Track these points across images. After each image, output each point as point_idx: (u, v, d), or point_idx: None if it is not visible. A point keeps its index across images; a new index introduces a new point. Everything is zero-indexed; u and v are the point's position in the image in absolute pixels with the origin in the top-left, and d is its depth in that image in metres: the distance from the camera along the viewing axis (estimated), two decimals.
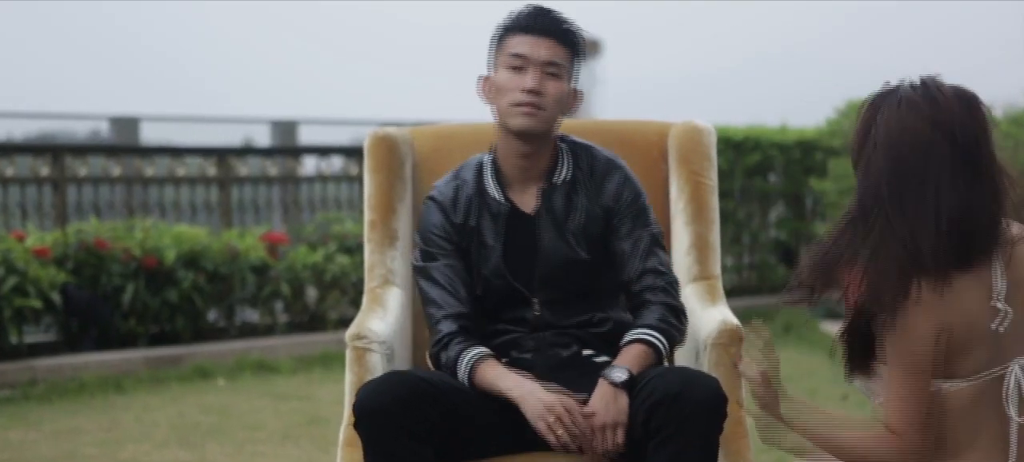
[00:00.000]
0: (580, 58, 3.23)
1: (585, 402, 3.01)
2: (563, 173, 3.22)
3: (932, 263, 2.33)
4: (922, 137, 2.37)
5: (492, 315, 3.22)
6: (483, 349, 3.10)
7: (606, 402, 2.97)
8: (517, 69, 3.15)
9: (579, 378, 3.09)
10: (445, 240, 3.21)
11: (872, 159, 2.39)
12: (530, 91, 3.12)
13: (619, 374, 2.99)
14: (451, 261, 3.20)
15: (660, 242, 3.23)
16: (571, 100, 3.22)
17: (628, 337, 3.10)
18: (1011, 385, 2.36)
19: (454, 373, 3.09)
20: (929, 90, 2.42)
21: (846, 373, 2.50)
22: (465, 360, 3.07)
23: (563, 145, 3.26)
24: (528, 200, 3.23)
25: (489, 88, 3.21)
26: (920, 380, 2.36)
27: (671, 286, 3.19)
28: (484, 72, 3.24)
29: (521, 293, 3.18)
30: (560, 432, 2.95)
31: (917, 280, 2.33)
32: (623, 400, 2.97)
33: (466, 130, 3.76)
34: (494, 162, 3.25)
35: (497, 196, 3.22)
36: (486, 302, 3.21)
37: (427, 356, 3.23)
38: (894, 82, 2.47)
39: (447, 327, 3.14)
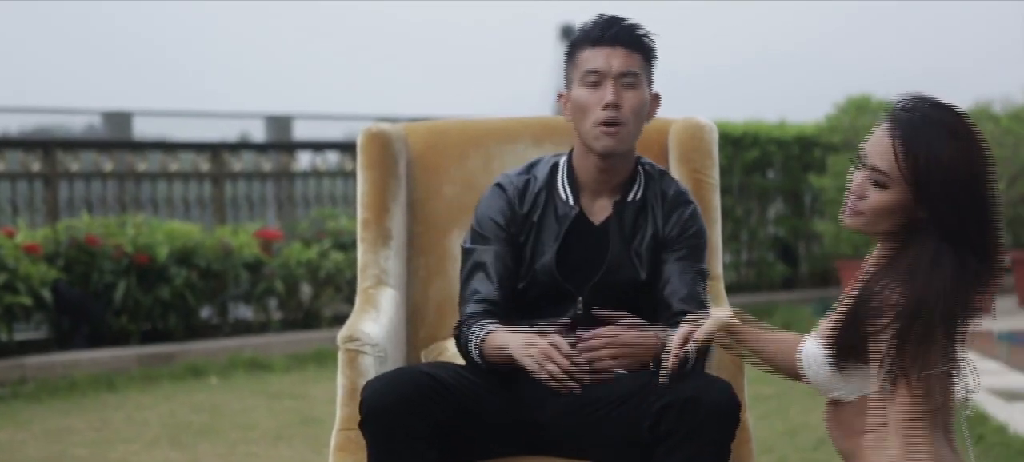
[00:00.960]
0: (654, 61, 3.21)
1: (570, 323, 3.04)
2: (637, 192, 3.21)
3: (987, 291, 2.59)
4: (989, 175, 2.57)
5: (533, 309, 3.17)
6: (494, 322, 3.07)
7: (616, 330, 2.98)
8: (594, 84, 3.12)
9: None
10: (500, 228, 3.18)
11: (952, 194, 2.52)
12: (609, 105, 3.10)
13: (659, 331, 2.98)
14: (499, 249, 3.17)
15: (705, 281, 3.22)
16: (651, 106, 3.20)
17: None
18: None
19: (468, 353, 3.06)
20: (967, 122, 2.57)
21: (830, 364, 2.64)
22: (476, 335, 3.05)
23: (641, 167, 3.24)
24: (598, 211, 3.20)
25: (569, 107, 3.19)
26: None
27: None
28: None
29: (568, 291, 3.15)
30: (550, 367, 2.93)
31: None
32: (632, 335, 2.97)
33: (461, 126, 3.70)
34: (569, 165, 3.23)
35: (568, 199, 3.21)
36: (528, 295, 3.18)
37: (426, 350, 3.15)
38: (907, 98, 2.60)
39: (471, 309, 3.12)
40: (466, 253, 3.20)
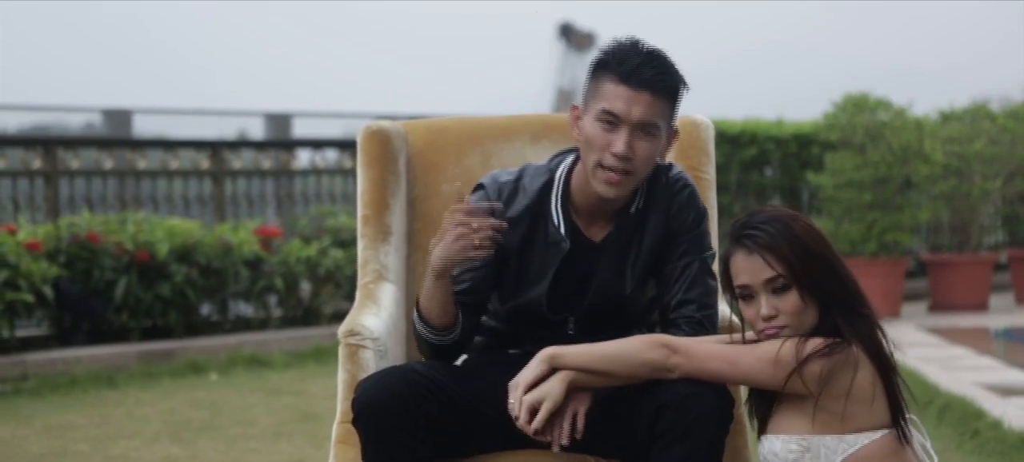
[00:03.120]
0: (680, 100, 3.00)
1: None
2: (638, 203, 3.05)
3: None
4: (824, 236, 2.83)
5: (520, 333, 3.13)
6: None
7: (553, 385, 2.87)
8: (609, 125, 2.92)
9: None
10: None
11: (818, 264, 2.75)
12: (619, 155, 2.91)
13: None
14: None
15: (710, 270, 3.08)
16: (667, 144, 3.02)
17: None
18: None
19: (416, 331, 3.03)
20: (784, 209, 2.85)
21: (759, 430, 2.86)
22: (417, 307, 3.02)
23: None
24: (597, 230, 3.07)
25: (579, 129, 2.99)
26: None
27: (708, 320, 3.05)
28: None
29: (556, 321, 3.09)
30: (469, 239, 2.86)
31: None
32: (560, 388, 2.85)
33: (461, 124, 3.72)
34: (565, 187, 3.06)
35: (559, 227, 3.04)
36: (514, 318, 3.11)
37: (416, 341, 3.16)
38: (740, 222, 2.81)
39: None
40: None
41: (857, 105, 10.72)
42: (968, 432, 5.53)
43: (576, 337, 3.04)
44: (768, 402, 2.82)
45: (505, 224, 2.91)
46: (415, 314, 3.04)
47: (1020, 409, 5.90)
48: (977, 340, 8.79)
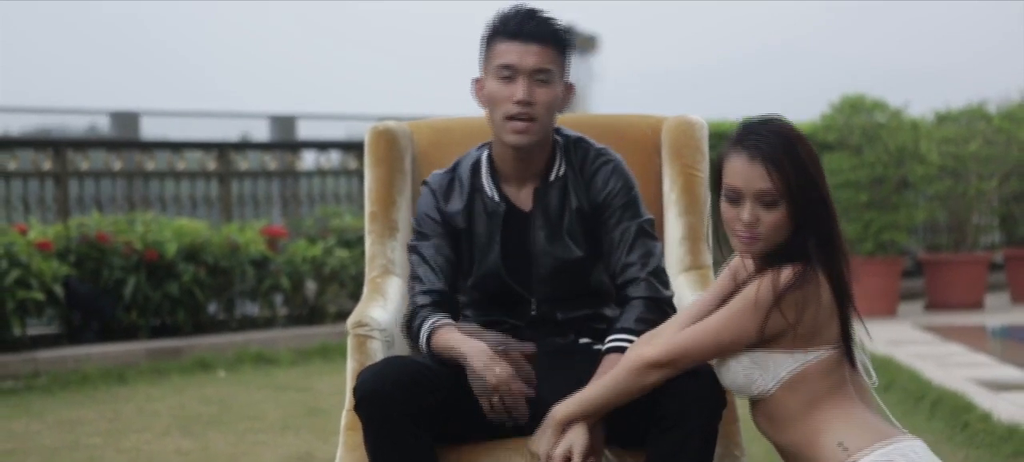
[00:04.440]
0: (570, 52, 3.24)
1: (533, 355, 3.07)
2: (557, 170, 3.27)
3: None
4: (821, 167, 2.88)
5: (488, 308, 3.28)
6: (445, 317, 3.17)
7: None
8: (507, 79, 3.17)
9: (576, 365, 3.15)
10: (437, 223, 3.28)
11: (813, 194, 2.81)
12: (520, 101, 3.15)
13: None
14: (440, 243, 3.27)
15: (648, 231, 3.26)
16: (564, 97, 3.25)
17: (606, 344, 3.15)
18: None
19: (418, 342, 3.18)
20: (793, 125, 2.88)
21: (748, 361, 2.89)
22: (426, 327, 3.16)
23: (558, 139, 3.30)
24: (525, 198, 3.28)
25: (482, 94, 3.24)
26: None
27: (653, 275, 3.22)
28: (478, 66, 3.29)
29: (519, 293, 3.25)
30: (495, 400, 3.02)
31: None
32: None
33: (464, 124, 3.83)
34: (490, 159, 3.30)
35: (493, 195, 3.27)
36: (482, 296, 3.28)
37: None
38: (744, 125, 2.87)
39: (421, 300, 3.23)
40: (410, 250, 3.32)
41: (854, 106, 10.83)
42: (959, 425, 5.65)
43: (540, 314, 3.22)
44: None
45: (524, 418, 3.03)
46: (424, 341, 3.16)
47: (1010, 403, 6.03)
48: (972, 338, 8.90)
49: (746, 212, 2.80)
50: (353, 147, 10.92)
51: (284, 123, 14.16)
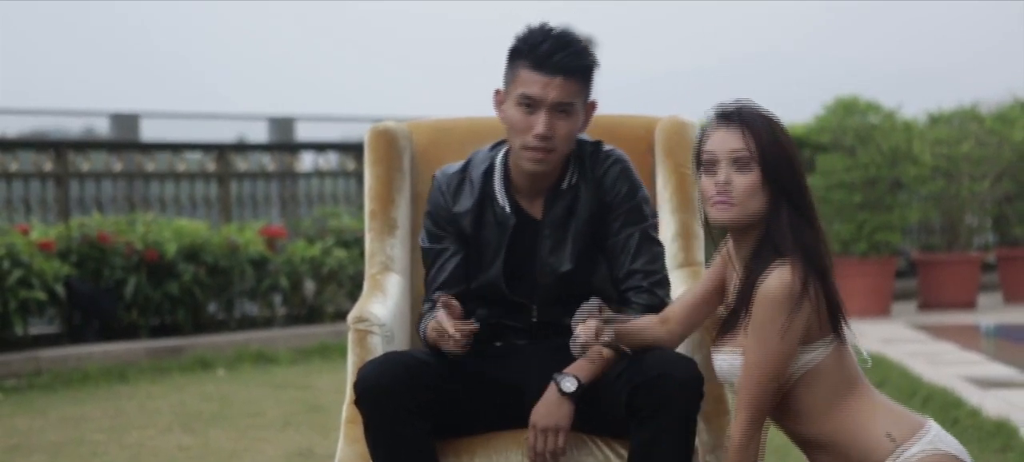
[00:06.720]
0: (593, 76, 3.20)
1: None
2: (570, 178, 3.27)
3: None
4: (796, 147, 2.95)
5: (490, 311, 3.32)
6: (437, 311, 3.20)
7: (549, 407, 3.08)
8: (528, 109, 3.13)
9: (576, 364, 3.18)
10: (447, 222, 3.32)
11: (787, 165, 2.89)
12: (539, 136, 3.12)
13: (568, 384, 3.08)
14: (452, 245, 3.31)
15: (653, 237, 3.29)
16: (585, 118, 3.22)
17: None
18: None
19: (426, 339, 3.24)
20: (771, 113, 2.95)
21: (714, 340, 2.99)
22: (422, 325, 3.25)
23: (573, 147, 3.29)
24: (536, 205, 3.27)
25: (502, 113, 3.21)
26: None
27: (656, 286, 3.25)
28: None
29: (520, 302, 3.29)
30: (445, 343, 3.07)
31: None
32: (566, 408, 3.06)
33: (463, 124, 3.89)
34: (505, 170, 3.27)
35: (504, 205, 3.27)
36: (481, 297, 3.31)
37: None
38: (725, 104, 2.94)
39: (428, 305, 3.31)
40: (424, 251, 3.35)
41: (847, 108, 10.91)
42: (948, 420, 5.74)
43: (540, 321, 3.26)
44: (737, 318, 2.92)
45: (476, 326, 3.09)
46: (422, 338, 3.27)
47: (998, 399, 6.12)
48: (963, 337, 8.99)
49: (721, 173, 2.86)
50: (351, 148, 11.00)
51: (282, 125, 14.20)
